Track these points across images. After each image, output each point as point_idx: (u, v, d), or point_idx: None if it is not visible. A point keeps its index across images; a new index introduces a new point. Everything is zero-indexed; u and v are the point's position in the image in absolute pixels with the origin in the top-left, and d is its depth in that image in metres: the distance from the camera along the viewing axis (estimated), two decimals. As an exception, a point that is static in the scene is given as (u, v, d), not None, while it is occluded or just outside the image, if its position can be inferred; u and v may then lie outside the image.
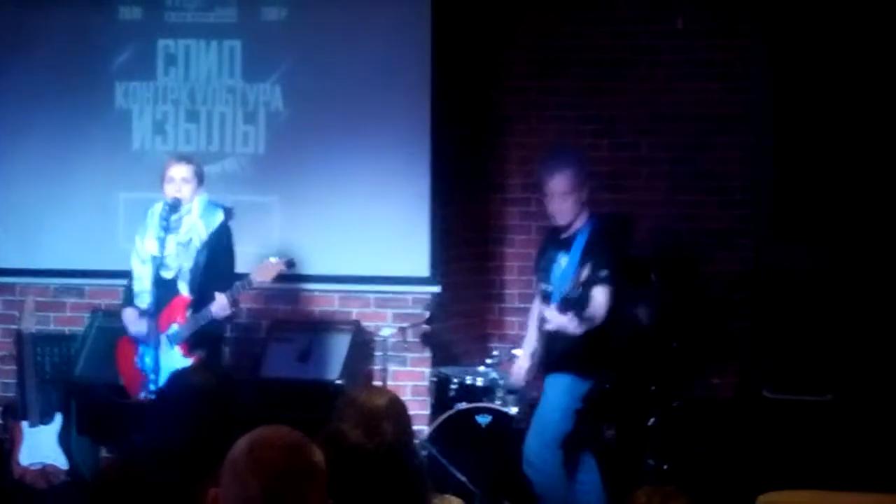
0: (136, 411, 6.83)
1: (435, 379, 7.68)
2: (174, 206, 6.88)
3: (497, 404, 7.22)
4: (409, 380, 7.95)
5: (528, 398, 6.86)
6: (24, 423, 7.64)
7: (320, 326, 8.03)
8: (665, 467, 7.19)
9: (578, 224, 6.79)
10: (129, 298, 7.05)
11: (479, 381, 7.46)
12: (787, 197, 8.30)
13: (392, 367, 7.73)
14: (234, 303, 6.87)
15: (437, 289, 8.00)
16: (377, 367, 7.77)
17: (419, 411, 7.50)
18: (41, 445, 7.59)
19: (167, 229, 6.84)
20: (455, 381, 7.49)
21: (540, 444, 6.68)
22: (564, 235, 6.82)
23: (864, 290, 7.90)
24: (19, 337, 7.89)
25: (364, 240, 8.04)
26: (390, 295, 8.05)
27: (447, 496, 4.29)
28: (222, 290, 6.82)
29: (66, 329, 8.35)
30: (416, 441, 5.18)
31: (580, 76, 8.54)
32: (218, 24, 8.29)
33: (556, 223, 6.84)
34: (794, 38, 8.19)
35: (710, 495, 7.07)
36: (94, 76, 8.39)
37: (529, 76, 8.63)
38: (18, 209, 8.45)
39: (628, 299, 7.35)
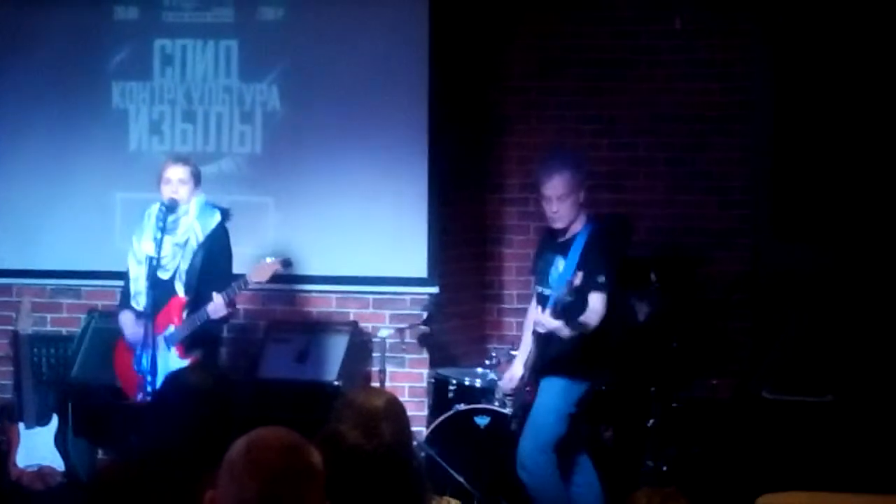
0: (133, 413, 6.82)
1: (433, 380, 7.66)
2: (171, 207, 6.86)
3: (495, 405, 7.20)
4: (407, 381, 7.94)
5: (523, 401, 6.83)
6: (21, 425, 7.62)
7: (318, 327, 8.02)
8: (664, 468, 7.18)
9: (576, 227, 6.75)
10: (125, 301, 7.03)
11: (478, 383, 7.44)
12: (786, 197, 8.29)
13: (390, 368, 7.71)
14: (230, 303, 6.85)
15: (435, 289, 7.99)
16: (375, 368, 7.75)
17: (417, 412, 7.49)
18: (38, 447, 7.57)
19: (164, 230, 6.82)
20: (453, 382, 7.47)
21: (534, 448, 6.66)
22: (562, 239, 6.79)
23: (863, 291, 7.90)
24: (16, 338, 7.88)
25: (362, 240, 8.02)
26: (388, 296, 8.03)
27: (445, 497, 4.27)
28: (219, 290, 6.80)
29: (63, 330, 8.34)
30: (415, 442, 5.17)
31: (580, 76, 8.52)
32: (215, 23, 8.27)
33: (554, 226, 6.80)
34: (794, 38, 8.19)
35: (709, 496, 7.06)
36: (91, 76, 8.38)
37: (529, 76, 8.61)
38: (15, 209, 8.44)
39: (627, 300, 7.34)
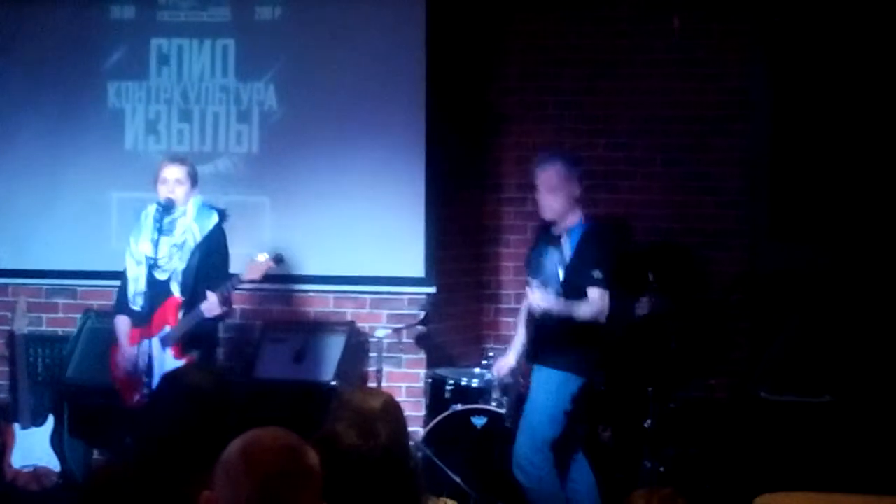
0: (129, 413, 6.80)
1: (430, 380, 7.65)
2: (167, 207, 6.85)
3: (492, 406, 7.20)
4: (404, 381, 7.93)
5: (517, 394, 6.82)
6: (16, 425, 7.62)
7: (315, 327, 8.01)
8: (662, 469, 7.17)
9: (571, 222, 6.76)
10: (121, 304, 7.00)
11: (475, 383, 7.44)
12: (783, 198, 8.29)
13: (387, 369, 7.70)
14: (224, 301, 6.83)
15: (432, 289, 7.98)
16: (372, 369, 7.74)
17: (414, 413, 7.47)
18: (33, 447, 7.57)
19: (160, 230, 6.81)
20: (450, 382, 7.46)
21: (530, 448, 6.65)
22: (556, 232, 6.80)
23: (860, 291, 7.89)
24: (11, 338, 7.88)
25: (359, 240, 8.01)
26: (385, 296, 8.03)
27: (442, 498, 4.26)
28: (214, 290, 6.79)
29: (59, 330, 8.33)
30: (412, 443, 5.16)
31: (577, 76, 8.52)
32: (211, 23, 8.27)
33: (544, 217, 6.83)
34: (790, 38, 8.18)
35: (707, 497, 7.06)
36: (87, 75, 8.37)
37: (526, 76, 8.61)
38: (11, 209, 8.42)
39: (625, 300, 7.33)
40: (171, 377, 4.16)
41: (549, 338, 6.65)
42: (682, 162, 8.38)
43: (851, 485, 6.22)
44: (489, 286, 8.71)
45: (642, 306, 7.58)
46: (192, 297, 6.84)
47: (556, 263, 6.62)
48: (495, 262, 8.70)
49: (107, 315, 7.61)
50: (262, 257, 6.94)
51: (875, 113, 8.05)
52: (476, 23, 8.51)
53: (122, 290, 7.01)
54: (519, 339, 6.96)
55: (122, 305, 6.99)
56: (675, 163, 8.39)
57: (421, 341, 7.97)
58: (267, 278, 7.04)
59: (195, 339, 6.86)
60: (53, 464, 7.58)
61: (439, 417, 7.25)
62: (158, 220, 6.83)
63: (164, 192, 6.88)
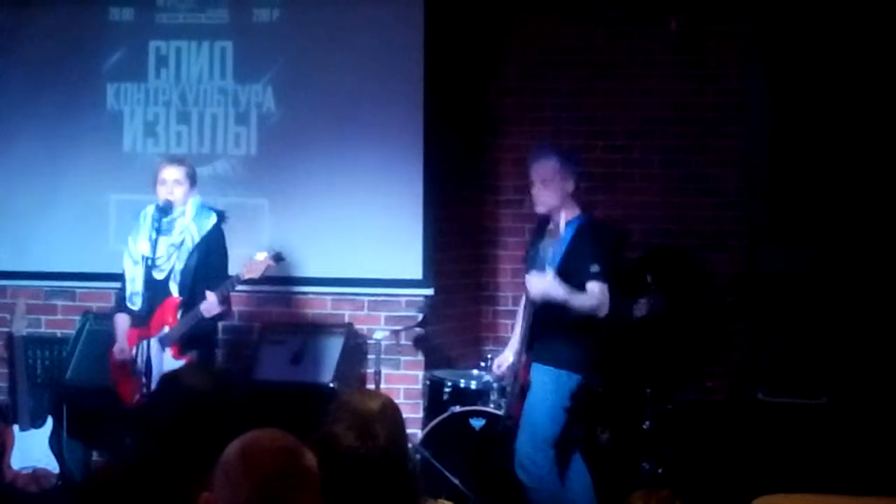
0: (127, 414, 6.80)
1: (428, 382, 7.64)
2: (166, 208, 6.86)
3: (491, 407, 7.19)
4: (402, 383, 7.93)
5: (518, 387, 6.82)
6: (16, 427, 7.62)
7: (313, 329, 8.01)
8: (660, 471, 7.17)
9: (566, 217, 6.75)
10: (120, 304, 7.01)
11: (473, 385, 7.43)
12: (781, 199, 8.29)
13: (385, 370, 7.70)
14: (223, 300, 6.84)
15: (430, 291, 7.98)
16: (370, 370, 7.73)
17: (412, 415, 7.47)
18: (32, 449, 7.56)
19: (159, 230, 6.82)
20: (449, 384, 7.45)
21: (532, 447, 6.64)
22: (553, 227, 6.79)
23: (858, 293, 7.89)
24: (10, 340, 7.88)
25: (357, 242, 8.01)
26: (383, 297, 8.03)
27: (441, 500, 4.26)
28: (213, 290, 6.80)
29: (58, 332, 8.33)
30: (410, 445, 5.16)
31: (575, 78, 8.52)
32: (209, 25, 8.27)
33: (537, 210, 6.82)
34: (788, 39, 8.19)
35: (705, 499, 7.06)
36: (86, 77, 8.37)
37: (524, 77, 8.61)
38: (9, 211, 8.42)
39: (623, 302, 7.33)
40: (169, 378, 4.16)
41: (546, 332, 6.64)
42: (680, 163, 8.38)
43: (849, 486, 6.22)
44: (487, 288, 8.71)
45: (640, 308, 7.57)
46: (191, 297, 6.85)
47: (553, 257, 6.62)
48: (493, 264, 8.70)
49: (106, 317, 7.62)
50: (262, 256, 6.95)
51: (873, 114, 8.05)
52: (474, 24, 8.52)
53: (121, 292, 7.02)
54: (517, 336, 6.95)
55: (121, 306, 7.01)
56: (673, 164, 8.39)
57: (419, 343, 7.97)
58: (265, 280, 7.04)
59: (194, 339, 6.86)
60: (52, 465, 7.58)
61: (437, 419, 7.25)
62: (157, 219, 6.84)
63: (162, 194, 6.89)
